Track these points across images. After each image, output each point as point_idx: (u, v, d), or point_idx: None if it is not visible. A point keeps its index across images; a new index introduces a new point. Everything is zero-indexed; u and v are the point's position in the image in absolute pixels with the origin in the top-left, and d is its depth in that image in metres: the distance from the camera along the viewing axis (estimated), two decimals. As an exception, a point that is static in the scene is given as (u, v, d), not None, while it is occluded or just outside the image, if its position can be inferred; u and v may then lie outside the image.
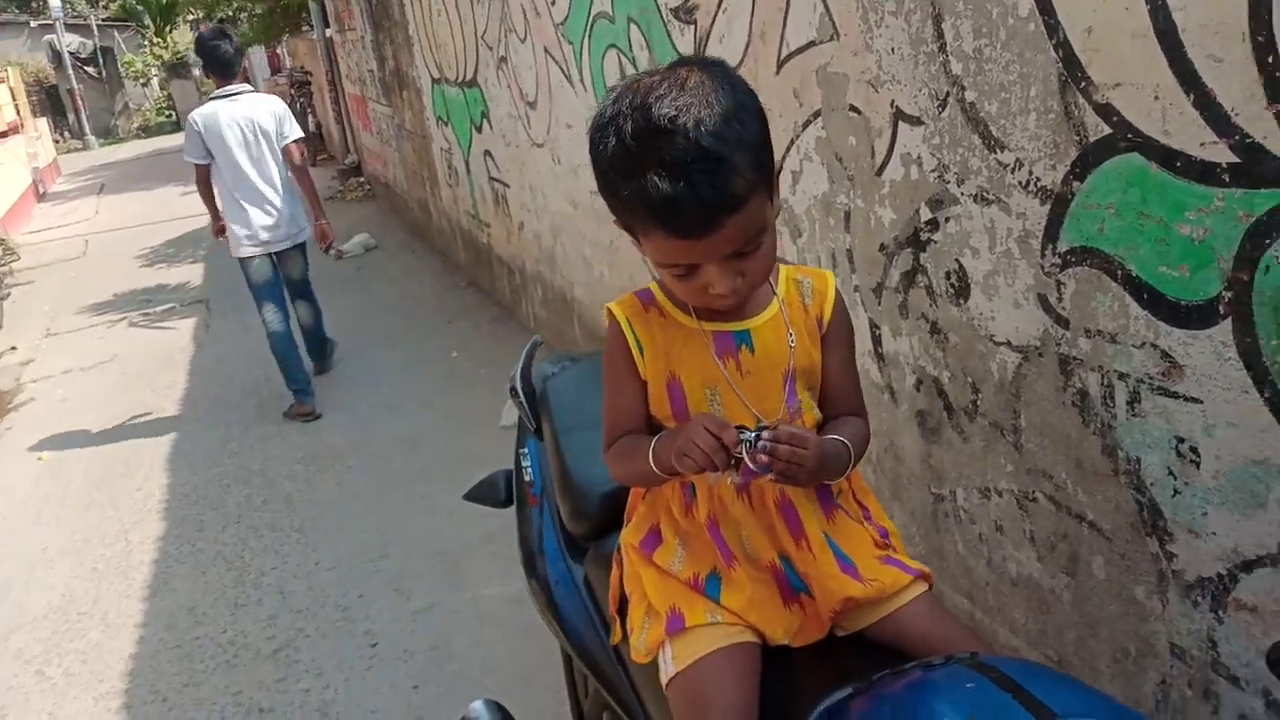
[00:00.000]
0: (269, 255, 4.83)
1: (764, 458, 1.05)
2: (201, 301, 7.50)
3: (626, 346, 1.24)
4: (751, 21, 2.51)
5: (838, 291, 1.31)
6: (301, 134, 4.97)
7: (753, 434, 1.06)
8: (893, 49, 2.01)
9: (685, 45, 2.94)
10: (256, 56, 23.46)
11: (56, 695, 2.97)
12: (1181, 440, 1.54)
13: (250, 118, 4.69)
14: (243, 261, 4.79)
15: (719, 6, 2.67)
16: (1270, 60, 1.27)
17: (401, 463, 4.19)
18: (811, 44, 2.28)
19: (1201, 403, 1.49)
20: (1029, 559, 1.95)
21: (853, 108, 2.18)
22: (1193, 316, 1.48)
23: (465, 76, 5.74)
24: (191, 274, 8.53)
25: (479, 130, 5.78)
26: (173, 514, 4.04)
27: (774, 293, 1.26)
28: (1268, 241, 1.34)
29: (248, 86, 4.91)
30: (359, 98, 10.48)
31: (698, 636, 1.18)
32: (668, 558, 1.24)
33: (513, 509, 1.74)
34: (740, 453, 1.05)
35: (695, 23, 2.85)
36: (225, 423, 4.96)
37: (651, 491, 1.27)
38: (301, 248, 5.02)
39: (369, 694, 2.74)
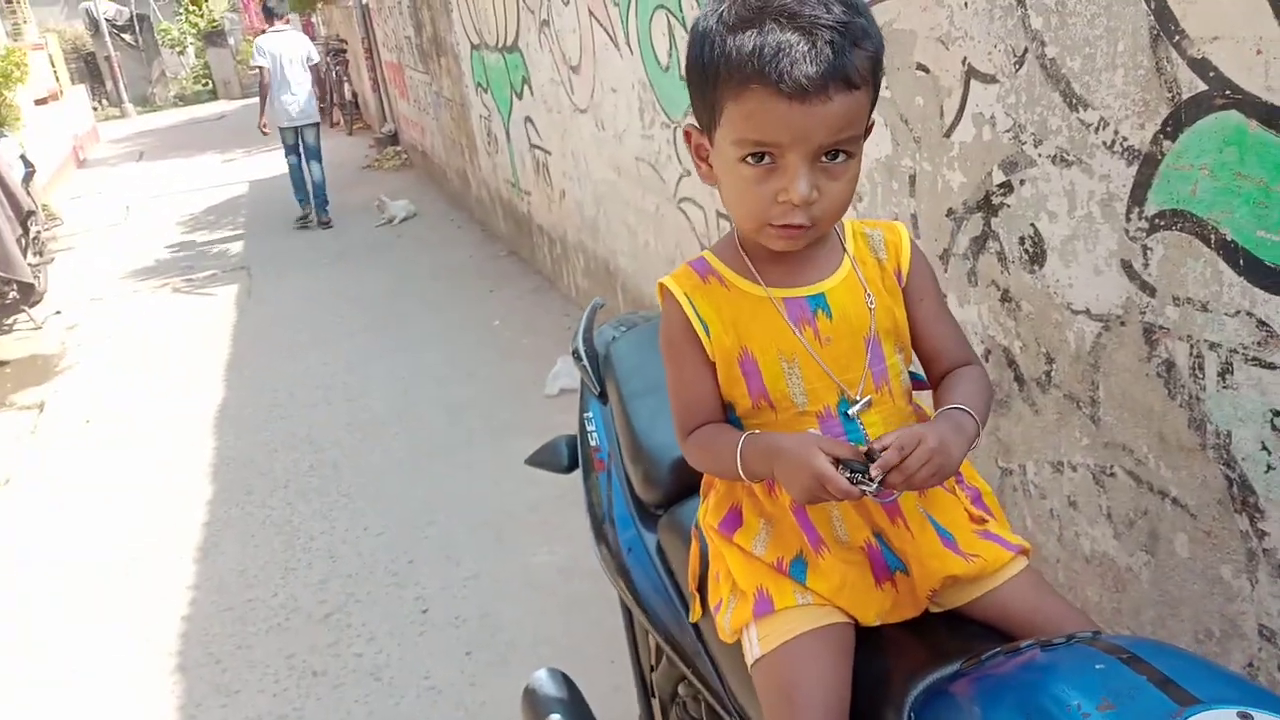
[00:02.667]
0: (294, 128, 8.35)
1: (884, 489, 0.99)
2: (244, 268, 7.53)
3: (689, 328, 1.14)
4: (813, -22, 2.43)
5: (912, 240, 1.23)
6: (319, 57, 9.17)
7: (865, 476, 0.98)
8: (966, 3, 1.92)
9: (741, 4, 2.86)
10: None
11: (107, 656, 2.99)
12: (1278, 414, 1.47)
13: (290, 45, 8.32)
14: (280, 130, 8.37)
15: (778, -37, 2.58)
16: (1395, 7, 1.19)
17: (445, 431, 4.18)
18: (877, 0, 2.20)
19: (1302, 374, 1.42)
20: (1104, 536, 1.89)
21: (920, 66, 2.11)
22: (1294, 283, 1.40)
23: (506, 42, 5.66)
24: (232, 241, 8.56)
25: (519, 97, 5.71)
26: (220, 478, 4.05)
27: (844, 249, 1.18)
28: (1384, 203, 1.26)
29: (289, 26, 9.13)
30: (396, 65, 10.43)
31: (786, 619, 1.12)
32: (749, 539, 1.18)
33: (575, 475, 1.70)
34: (865, 491, 0.99)
35: (752, -19, 2.77)
36: (271, 389, 4.96)
37: None
38: (315, 125, 8.49)
39: (422, 659, 2.73)
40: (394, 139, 11.88)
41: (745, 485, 1.18)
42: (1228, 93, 1.44)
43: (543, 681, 1.76)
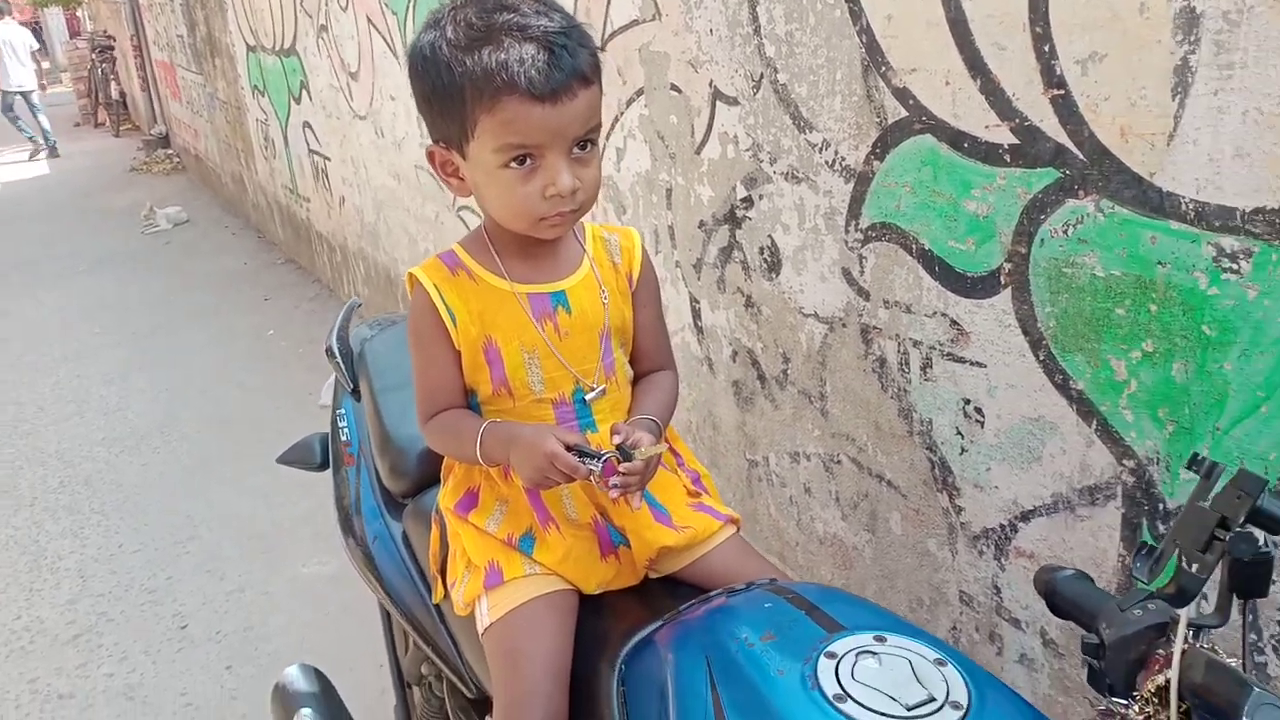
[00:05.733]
0: (18, 92, 11.85)
1: (615, 480, 1.08)
2: (-14, 277, 6.94)
3: (437, 317, 1.20)
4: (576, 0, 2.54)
5: (643, 248, 1.34)
6: (37, 45, 12.47)
7: (598, 465, 1.08)
8: (711, 30, 2.07)
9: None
10: (54, 19, 21.66)
11: None
12: (968, 402, 1.67)
13: (14, 34, 11.89)
14: (5, 93, 11.79)
15: (545, -19, 2.67)
16: (1046, 49, 1.39)
17: (212, 444, 4.02)
18: (635, 23, 2.32)
19: (985, 366, 1.62)
20: (834, 518, 2.07)
21: (674, 87, 2.24)
22: (977, 287, 1.60)
23: (283, 45, 5.52)
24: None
25: (298, 101, 5.57)
26: (-44, 499, 3.74)
27: (584, 250, 1.27)
28: (1042, 217, 1.46)
29: (11, 20, 12.30)
30: (167, 65, 9.90)
31: (514, 588, 1.20)
32: (483, 518, 1.25)
33: (329, 472, 1.71)
34: (591, 471, 1.08)
35: (521, -3, 2.84)
36: (15, 403, 4.61)
37: None
38: (34, 90, 12.01)
39: (179, 676, 2.63)
40: (165, 141, 11.26)
41: (483, 469, 1.24)
42: (924, 119, 1.63)
43: (293, 678, 1.75)
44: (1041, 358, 1.52)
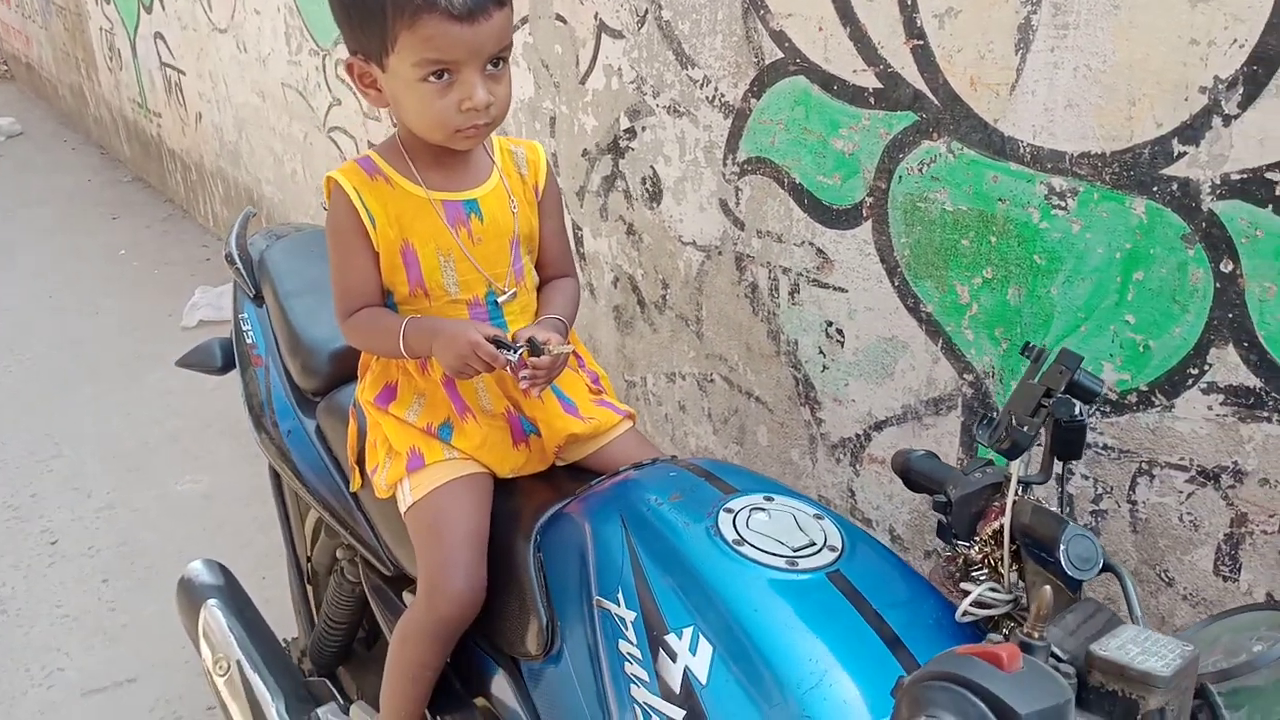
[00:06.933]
0: None
1: (525, 372, 1.20)
2: None
3: (357, 218, 1.26)
4: (463, -77, 2.56)
5: (548, 162, 1.44)
6: None
7: (515, 355, 1.19)
8: (598, -37, 2.15)
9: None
10: None
11: None
12: (830, 324, 1.84)
13: None
14: None
15: (430, -96, 2.68)
16: (909, 3, 1.55)
17: (68, 364, 3.90)
18: (521, -49, 2.38)
19: (847, 291, 1.80)
20: (706, 433, 2.23)
21: (559, 17, 2.31)
22: (842, 219, 1.77)
23: (133, -51, 5.25)
24: None
25: (148, 10, 5.32)
26: None
27: (493, 162, 1.37)
28: (901, 155, 1.63)
29: None
30: (-9, -39, 9.17)
31: (434, 470, 1.31)
32: (403, 409, 1.34)
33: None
34: (509, 360, 1.18)
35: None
36: None
37: None
38: None
39: (52, 589, 2.63)
40: (-12, 47, 10.46)
41: (400, 364, 1.34)
42: (798, 61, 1.77)
43: (198, 571, 1.82)
44: (896, 284, 1.70)
